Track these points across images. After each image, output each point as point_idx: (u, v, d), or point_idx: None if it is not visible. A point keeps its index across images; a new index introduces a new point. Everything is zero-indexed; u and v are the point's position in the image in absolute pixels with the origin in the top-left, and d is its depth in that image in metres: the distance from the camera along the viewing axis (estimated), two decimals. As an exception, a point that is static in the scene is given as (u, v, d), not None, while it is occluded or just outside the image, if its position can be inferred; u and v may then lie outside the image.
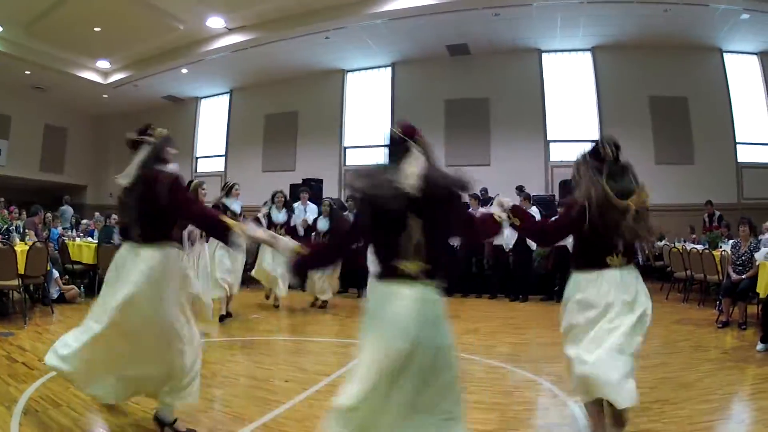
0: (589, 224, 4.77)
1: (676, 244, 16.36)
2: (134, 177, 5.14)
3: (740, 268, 10.52)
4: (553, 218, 5.93)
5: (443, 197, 3.72)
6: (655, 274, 17.64)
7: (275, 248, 4.67)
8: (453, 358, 3.61)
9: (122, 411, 5.65)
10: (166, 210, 5.04)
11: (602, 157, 4.94)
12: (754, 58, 21.52)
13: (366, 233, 3.88)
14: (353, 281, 15.03)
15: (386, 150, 4.16)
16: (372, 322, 3.58)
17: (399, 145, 4.09)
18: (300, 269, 5.02)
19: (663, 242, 17.93)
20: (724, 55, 21.39)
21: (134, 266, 4.93)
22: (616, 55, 21.66)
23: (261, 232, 4.96)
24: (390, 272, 3.58)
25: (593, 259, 4.91)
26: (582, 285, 4.93)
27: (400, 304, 3.46)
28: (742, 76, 21.54)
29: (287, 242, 4.44)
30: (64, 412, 5.53)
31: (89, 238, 15.08)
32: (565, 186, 17.40)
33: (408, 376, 3.40)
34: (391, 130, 4.16)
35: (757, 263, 10.01)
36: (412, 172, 3.74)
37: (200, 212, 5.51)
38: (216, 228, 5.09)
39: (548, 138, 22.32)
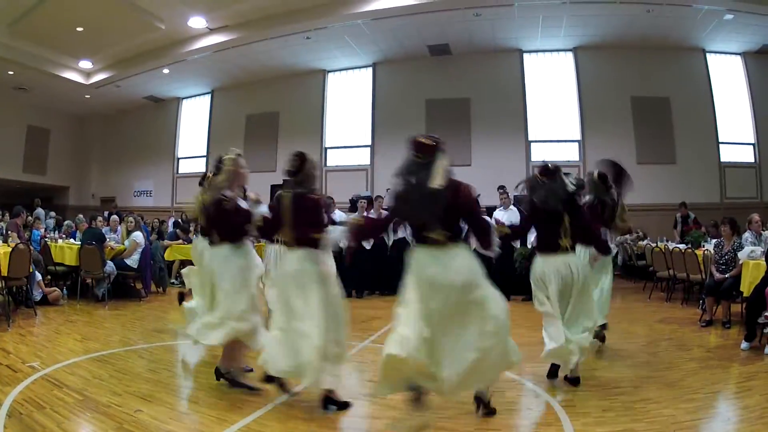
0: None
1: (659, 244, 16.34)
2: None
3: (723, 267, 10.52)
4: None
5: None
6: (638, 273, 17.66)
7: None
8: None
9: (107, 413, 5.62)
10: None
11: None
12: (738, 58, 21.62)
13: None
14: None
15: (414, 157, 5.19)
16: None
17: (428, 153, 5.13)
18: (357, 237, 5.97)
19: (645, 241, 17.94)
20: (707, 55, 21.49)
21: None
22: (598, 55, 21.71)
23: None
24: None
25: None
26: None
27: None
28: (726, 76, 21.64)
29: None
30: (48, 415, 5.48)
31: (72, 240, 14.94)
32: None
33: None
34: (420, 139, 5.16)
35: (740, 262, 10.03)
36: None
37: None
38: None
39: (529, 138, 22.33)
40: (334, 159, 24.47)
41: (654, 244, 16.59)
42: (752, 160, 21.46)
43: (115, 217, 16.30)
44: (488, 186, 16.18)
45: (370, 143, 23.90)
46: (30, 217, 16.40)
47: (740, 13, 18.16)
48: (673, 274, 13.59)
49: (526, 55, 22.61)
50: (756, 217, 11.68)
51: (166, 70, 23.66)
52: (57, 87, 24.36)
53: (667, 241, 17.12)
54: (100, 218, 16.85)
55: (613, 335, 9.43)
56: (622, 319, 11.71)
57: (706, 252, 12.26)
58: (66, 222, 18.99)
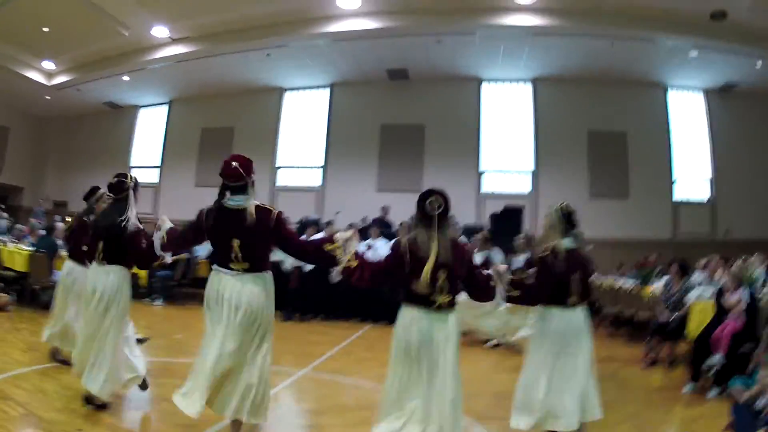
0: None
1: (606, 281, 16.37)
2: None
3: (671, 307, 10.47)
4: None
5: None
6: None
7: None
8: None
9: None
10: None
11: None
12: (699, 94, 21.77)
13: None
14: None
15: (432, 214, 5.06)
16: None
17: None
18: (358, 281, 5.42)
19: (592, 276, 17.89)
20: (668, 91, 21.69)
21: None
22: (558, 87, 21.77)
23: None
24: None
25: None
26: None
27: None
28: (685, 112, 21.81)
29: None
30: None
31: (22, 245, 14.61)
32: (496, 219, 17.26)
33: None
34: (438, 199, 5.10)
35: (688, 303, 10.01)
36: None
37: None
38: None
39: (481, 168, 22.34)
40: (285, 179, 24.28)
41: (601, 280, 16.63)
42: (707, 197, 21.60)
43: (60, 224, 15.94)
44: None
45: (322, 164, 23.74)
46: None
47: (707, 49, 18.27)
48: (621, 311, 13.54)
49: (484, 84, 22.61)
50: (713, 263, 11.73)
51: (126, 77, 23.28)
52: (19, 85, 23.83)
53: (617, 276, 17.19)
54: (60, 224, 16.31)
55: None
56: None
57: (654, 292, 12.21)
58: (17, 225, 18.64)
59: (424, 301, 4.95)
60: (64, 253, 13.37)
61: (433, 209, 5.01)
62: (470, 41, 19.09)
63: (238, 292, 5.34)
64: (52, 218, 19.82)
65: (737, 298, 8.44)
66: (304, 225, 16.55)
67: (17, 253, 13.49)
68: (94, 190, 8.17)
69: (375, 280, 5.29)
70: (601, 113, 21.52)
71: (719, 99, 21.56)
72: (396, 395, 4.98)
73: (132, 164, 26.81)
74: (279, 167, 24.42)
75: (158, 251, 6.19)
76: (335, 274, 5.51)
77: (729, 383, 7.63)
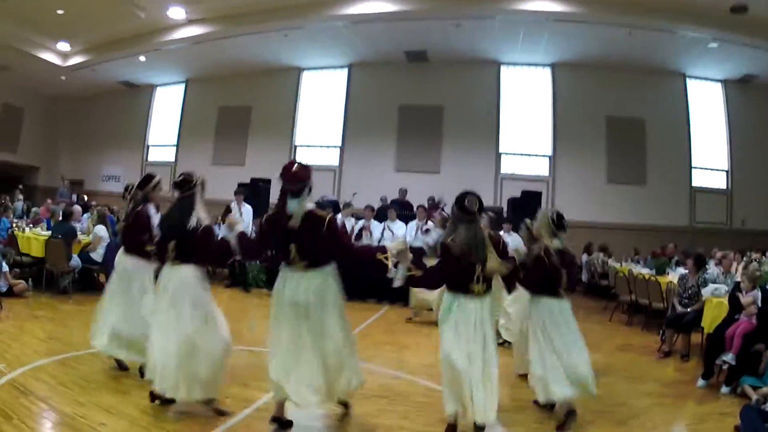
0: None
1: (623, 265, 16.37)
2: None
3: (686, 300, 10.45)
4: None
5: None
6: (600, 292, 17.66)
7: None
8: None
9: (73, 426, 5.53)
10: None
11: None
12: (718, 85, 21.73)
13: None
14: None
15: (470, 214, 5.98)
16: None
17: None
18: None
19: (609, 260, 17.97)
20: (687, 80, 21.61)
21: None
22: (577, 72, 21.74)
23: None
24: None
25: None
26: None
27: None
28: (704, 102, 21.75)
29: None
30: (17, 426, 5.37)
31: (38, 229, 14.54)
32: (515, 203, 17.24)
33: None
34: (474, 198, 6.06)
35: (703, 298, 9.99)
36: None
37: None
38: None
39: (500, 150, 22.35)
40: (303, 158, 23.90)
41: (618, 265, 16.62)
42: (724, 187, 21.60)
43: (77, 207, 15.86)
44: (455, 194, 16.19)
45: (340, 144, 23.81)
46: (2, 201, 16.05)
47: (725, 42, 18.26)
48: (635, 300, 13.50)
49: (503, 68, 22.60)
50: (730, 254, 11.72)
51: (142, 58, 23.31)
52: (34, 67, 23.89)
53: (631, 261, 17.22)
54: (77, 207, 16.17)
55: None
56: (582, 343, 11.76)
57: (670, 285, 12.16)
58: (33, 209, 18.69)
59: (466, 289, 5.83)
60: (82, 236, 13.49)
61: (472, 207, 5.93)
62: (490, 25, 19.08)
63: (304, 289, 5.73)
64: (73, 198, 19.89)
65: (751, 299, 8.44)
66: (322, 205, 16.55)
67: (34, 239, 13.35)
68: (149, 177, 7.65)
69: (439, 284, 6.41)
70: (620, 99, 21.46)
71: (738, 90, 21.52)
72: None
73: (148, 143, 26.93)
74: (297, 146, 24.49)
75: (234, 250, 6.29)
76: (398, 282, 6.09)
77: (740, 381, 7.69)
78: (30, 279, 12.72)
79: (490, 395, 5.64)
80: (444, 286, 6.13)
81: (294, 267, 5.78)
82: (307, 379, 5.63)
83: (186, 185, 6.48)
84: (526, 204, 16.20)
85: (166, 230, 6.47)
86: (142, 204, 7.47)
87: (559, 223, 6.83)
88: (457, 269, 5.86)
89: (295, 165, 5.88)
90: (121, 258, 7.49)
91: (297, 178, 5.77)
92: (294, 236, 5.69)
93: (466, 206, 5.95)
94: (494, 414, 5.64)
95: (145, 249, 7.14)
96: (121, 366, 7.41)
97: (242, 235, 6.28)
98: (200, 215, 6.36)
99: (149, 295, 6.80)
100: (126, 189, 7.89)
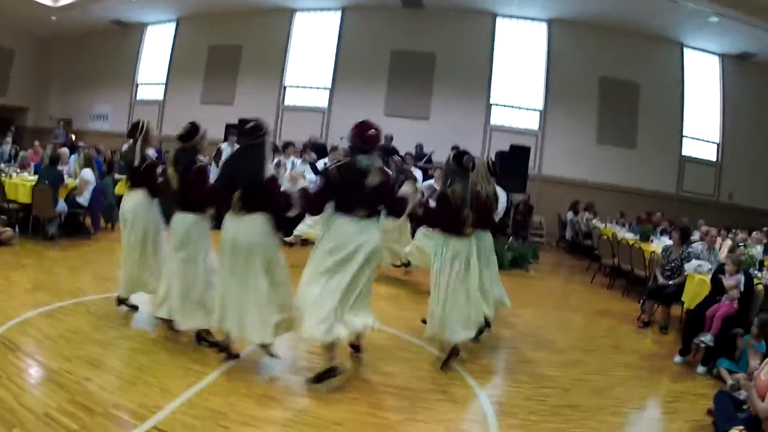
0: None
1: (607, 226, 16.53)
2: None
3: (669, 273, 10.50)
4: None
5: None
6: (582, 251, 17.82)
7: None
8: None
9: (60, 383, 5.55)
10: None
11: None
12: (715, 58, 21.67)
13: None
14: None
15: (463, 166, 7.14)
16: None
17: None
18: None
19: (594, 220, 18.10)
20: (685, 49, 21.51)
21: None
22: (573, 30, 21.59)
23: None
24: None
25: None
26: None
27: None
28: (700, 73, 21.69)
29: None
30: (5, 386, 5.32)
31: (26, 174, 14.28)
32: (503, 157, 17.23)
33: None
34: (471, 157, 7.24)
35: (685, 273, 10.07)
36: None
37: None
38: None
39: (491, 101, 22.30)
40: (292, 98, 24.24)
41: (603, 225, 16.78)
42: (714, 159, 21.71)
43: (65, 149, 15.60)
44: (444, 142, 16.27)
45: (330, 86, 23.63)
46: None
47: (725, 18, 18.16)
48: (618, 264, 13.59)
49: (499, 19, 22.38)
50: (713, 231, 11.80)
51: (133, -5, 23.04)
52: (25, 8, 23.68)
53: (616, 223, 17.37)
54: (65, 150, 15.87)
55: (553, 322, 10.40)
56: (562, 305, 12.16)
57: (653, 254, 12.25)
58: (21, 153, 18.52)
59: (460, 232, 7.11)
60: (69, 180, 13.34)
61: (468, 164, 7.12)
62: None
63: (361, 236, 6.08)
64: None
65: (734, 283, 8.50)
66: (311, 147, 16.49)
67: (21, 185, 12.88)
68: (196, 127, 7.03)
69: (434, 225, 7.61)
70: (615, 61, 21.33)
71: (735, 66, 21.46)
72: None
73: (138, 81, 26.82)
74: (287, 86, 24.30)
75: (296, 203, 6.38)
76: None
77: (717, 363, 7.80)
78: (17, 226, 12.62)
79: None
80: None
81: (357, 214, 6.11)
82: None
83: (257, 132, 6.27)
84: (514, 157, 16.23)
85: (236, 179, 6.23)
86: (193, 155, 6.98)
87: (493, 169, 7.88)
88: (454, 215, 7.02)
89: (372, 129, 6.19)
90: (180, 219, 6.93)
91: (375, 141, 6.22)
92: (367, 191, 6.06)
93: (464, 163, 7.12)
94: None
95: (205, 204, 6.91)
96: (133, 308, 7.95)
97: (304, 192, 6.51)
98: (269, 165, 6.35)
99: (212, 254, 6.87)
100: (134, 127, 7.73)
